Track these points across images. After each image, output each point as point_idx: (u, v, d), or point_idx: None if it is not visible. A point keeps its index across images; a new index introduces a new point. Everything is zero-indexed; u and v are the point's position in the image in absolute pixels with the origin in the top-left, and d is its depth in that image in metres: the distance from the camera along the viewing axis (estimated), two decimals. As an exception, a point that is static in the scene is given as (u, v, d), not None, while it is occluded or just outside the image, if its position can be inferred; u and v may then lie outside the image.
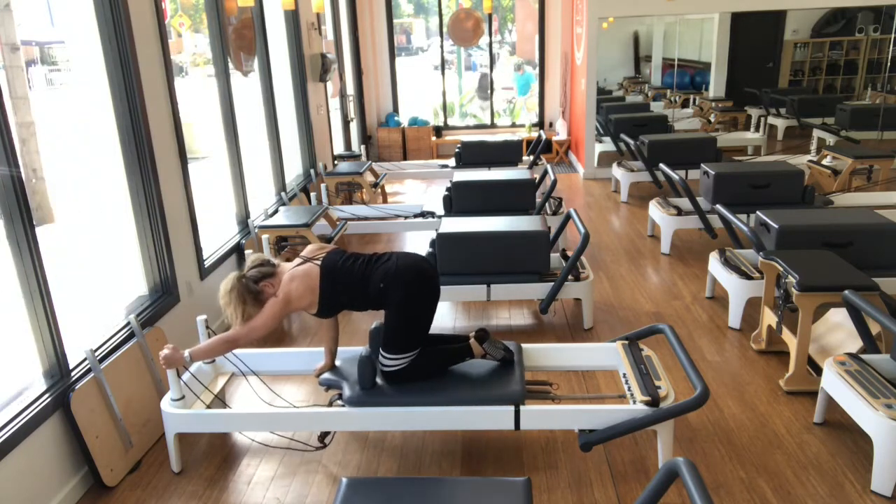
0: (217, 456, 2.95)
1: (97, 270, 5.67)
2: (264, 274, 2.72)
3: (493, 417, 2.68)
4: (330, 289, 2.70)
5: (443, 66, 9.91)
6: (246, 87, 5.41)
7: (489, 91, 10.18)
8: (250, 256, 2.84)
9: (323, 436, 2.94)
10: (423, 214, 5.67)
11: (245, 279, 2.69)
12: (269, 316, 2.66)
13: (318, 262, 2.74)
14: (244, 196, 4.91)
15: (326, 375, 2.94)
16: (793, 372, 3.22)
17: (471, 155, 6.94)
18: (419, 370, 2.77)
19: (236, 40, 4.89)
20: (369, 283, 2.69)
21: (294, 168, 6.47)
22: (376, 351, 2.80)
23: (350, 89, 8.85)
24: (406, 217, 5.70)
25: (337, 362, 3.02)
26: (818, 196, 5.21)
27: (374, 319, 2.91)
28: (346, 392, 2.77)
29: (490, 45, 9.85)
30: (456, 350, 2.88)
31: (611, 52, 9.02)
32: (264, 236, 4.64)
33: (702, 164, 5.26)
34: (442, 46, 9.82)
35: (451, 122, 10.27)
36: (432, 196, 7.57)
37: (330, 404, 2.89)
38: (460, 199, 5.25)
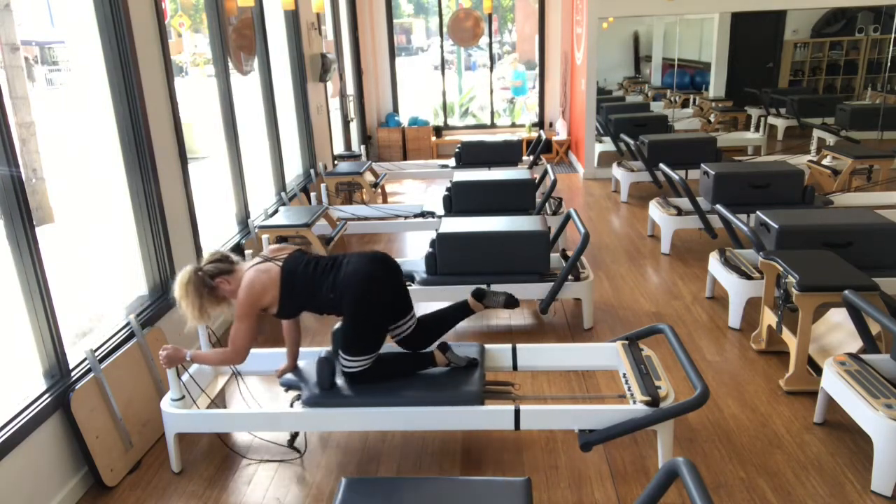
0: (217, 456, 2.95)
1: (97, 270, 5.68)
2: (221, 270, 2.65)
3: (493, 418, 2.67)
4: (288, 291, 2.66)
5: (443, 66, 9.91)
6: (246, 87, 5.41)
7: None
8: (208, 251, 2.78)
9: (292, 438, 2.96)
10: (423, 214, 5.66)
11: (202, 273, 2.63)
12: (244, 320, 2.61)
13: (280, 264, 2.69)
14: (244, 196, 4.91)
15: (287, 376, 2.93)
16: (793, 372, 3.22)
17: (471, 155, 6.94)
18: (380, 372, 2.77)
19: (236, 40, 4.89)
20: (321, 291, 2.65)
21: (294, 168, 6.48)
22: (338, 352, 2.80)
23: (350, 89, 8.85)
24: (406, 217, 5.70)
25: (300, 363, 3.00)
26: (818, 196, 5.21)
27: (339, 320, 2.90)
28: (305, 393, 2.78)
29: (490, 45, 9.85)
30: (419, 356, 2.88)
31: (611, 52, 9.02)
32: (264, 236, 4.64)
33: (702, 164, 5.26)
34: (442, 46, 9.82)
35: (451, 122, 10.27)
36: (432, 196, 7.56)
37: (291, 405, 2.89)
38: (460, 199, 5.24)
